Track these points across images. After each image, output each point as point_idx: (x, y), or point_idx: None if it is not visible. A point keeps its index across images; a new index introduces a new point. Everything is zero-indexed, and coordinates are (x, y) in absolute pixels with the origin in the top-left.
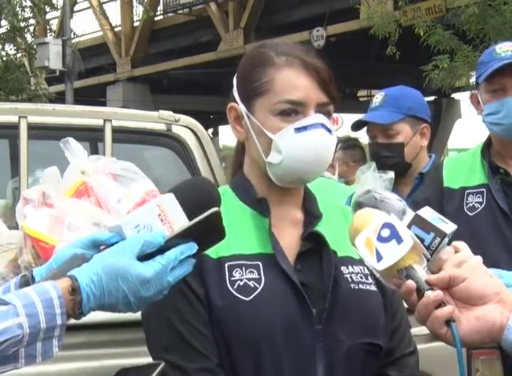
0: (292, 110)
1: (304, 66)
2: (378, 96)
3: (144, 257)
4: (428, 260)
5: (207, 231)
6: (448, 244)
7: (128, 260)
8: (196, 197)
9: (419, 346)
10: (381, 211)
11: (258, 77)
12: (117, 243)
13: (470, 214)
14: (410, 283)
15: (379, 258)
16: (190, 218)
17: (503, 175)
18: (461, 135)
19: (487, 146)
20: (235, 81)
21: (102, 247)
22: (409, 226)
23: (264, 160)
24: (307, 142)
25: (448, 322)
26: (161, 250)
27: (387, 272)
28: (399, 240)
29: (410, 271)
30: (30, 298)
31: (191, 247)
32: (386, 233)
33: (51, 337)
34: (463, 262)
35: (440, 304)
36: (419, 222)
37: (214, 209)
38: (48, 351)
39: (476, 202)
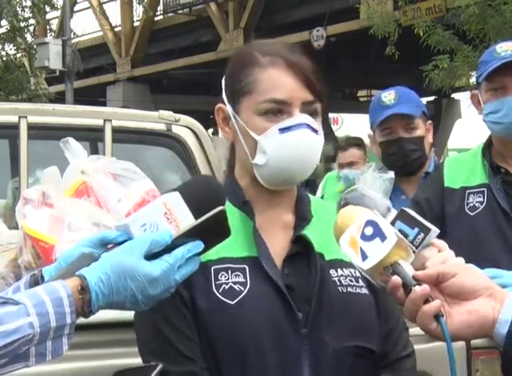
0: (277, 110)
1: (288, 65)
2: (388, 95)
3: (151, 256)
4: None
5: (213, 230)
6: None
7: (135, 259)
8: (202, 195)
9: (419, 346)
10: (364, 209)
11: (243, 78)
12: (124, 241)
13: (471, 213)
14: (395, 278)
15: (364, 257)
16: (196, 216)
17: (504, 175)
18: (461, 135)
19: (488, 146)
20: (223, 82)
21: (109, 246)
22: (393, 221)
23: (250, 162)
24: (291, 143)
25: (437, 317)
26: (168, 248)
27: (373, 270)
28: (383, 238)
29: (396, 267)
30: (40, 297)
31: (197, 246)
32: (369, 231)
33: (61, 335)
34: (445, 261)
35: (428, 299)
36: (403, 218)
37: (220, 208)
38: (57, 349)
39: (477, 202)
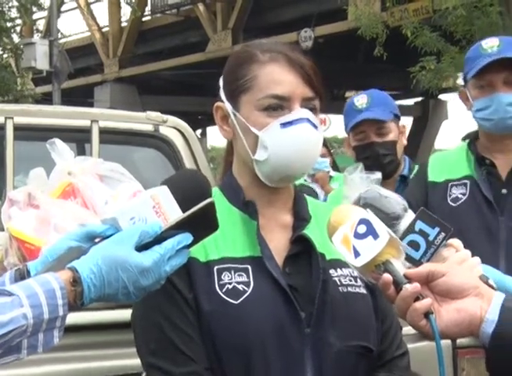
0: (277, 105)
1: (289, 61)
2: (360, 99)
3: (141, 247)
4: (407, 254)
5: (202, 222)
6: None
7: (126, 250)
8: (189, 188)
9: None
10: (357, 207)
11: (243, 75)
12: (111, 235)
13: (454, 204)
14: (386, 276)
15: (356, 254)
16: (183, 209)
17: (489, 166)
18: (448, 136)
19: (474, 139)
20: (221, 81)
21: (97, 240)
22: (414, 221)
23: (251, 159)
24: (292, 137)
25: (427, 314)
26: (157, 240)
27: (365, 267)
28: (375, 236)
29: (388, 265)
30: (32, 289)
31: (187, 237)
32: (362, 229)
33: (53, 327)
34: (463, 261)
35: (418, 297)
36: (424, 217)
37: (209, 200)
38: (49, 341)
39: (459, 193)
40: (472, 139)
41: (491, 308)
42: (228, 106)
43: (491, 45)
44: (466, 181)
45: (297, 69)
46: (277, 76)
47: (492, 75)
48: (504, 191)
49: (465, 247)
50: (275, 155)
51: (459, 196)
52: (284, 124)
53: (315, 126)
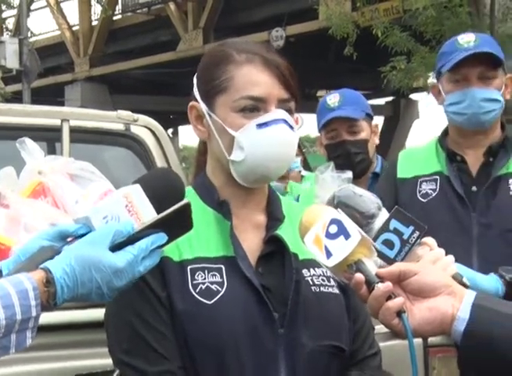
0: (253, 107)
1: (265, 62)
2: (332, 98)
3: (114, 248)
4: (381, 253)
5: (177, 222)
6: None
7: (100, 250)
8: (161, 187)
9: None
10: (329, 207)
11: (219, 75)
12: (84, 234)
13: (424, 200)
14: (359, 275)
15: (328, 254)
16: (156, 208)
17: (459, 163)
18: (419, 135)
19: (444, 136)
20: (195, 80)
21: (69, 239)
22: (388, 219)
23: (226, 159)
24: (269, 138)
25: (399, 313)
26: (131, 240)
27: (337, 267)
28: (347, 236)
29: (360, 265)
30: (5, 289)
31: (161, 238)
32: (334, 229)
33: (25, 328)
34: (437, 260)
35: (390, 296)
36: (398, 216)
37: (185, 201)
38: (21, 342)
39: (429, 189)
40: (442, 135)
41: (462, 306)
42: (203, 106)
43: (467, 40)
44: (436, 177)
45: (273, 70)
46: (253, 77)
47: (468, 69)
48: (474, 188)
49: (437, 244)
50: (252, 156)
51: (429, 191)
52: (260, 125)
53: (291, 127)
